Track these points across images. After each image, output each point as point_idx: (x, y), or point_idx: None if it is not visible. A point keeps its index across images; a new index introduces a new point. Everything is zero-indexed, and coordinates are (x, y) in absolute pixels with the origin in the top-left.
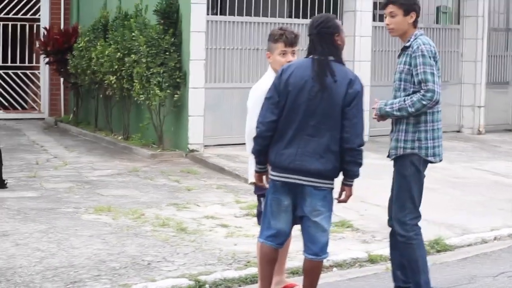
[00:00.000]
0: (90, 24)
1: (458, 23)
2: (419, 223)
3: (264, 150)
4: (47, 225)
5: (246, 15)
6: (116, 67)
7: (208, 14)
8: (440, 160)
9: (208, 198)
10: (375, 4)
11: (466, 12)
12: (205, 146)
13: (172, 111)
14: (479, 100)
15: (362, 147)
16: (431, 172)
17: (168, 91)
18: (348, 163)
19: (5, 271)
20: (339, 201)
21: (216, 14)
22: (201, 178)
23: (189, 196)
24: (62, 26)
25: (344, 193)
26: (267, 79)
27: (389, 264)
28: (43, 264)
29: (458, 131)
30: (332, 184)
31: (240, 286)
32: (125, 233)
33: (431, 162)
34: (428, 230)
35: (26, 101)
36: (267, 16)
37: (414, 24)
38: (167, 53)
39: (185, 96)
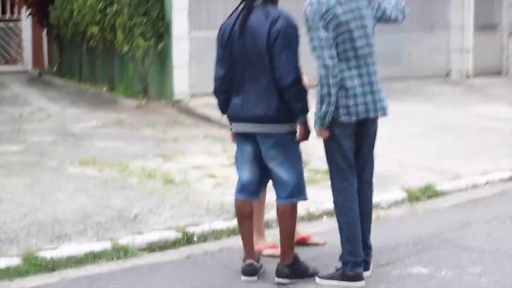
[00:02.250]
0: None
1: None
2: (351, 187)
3: (225, 105)
4: (31, 179)
5: None
6: (98, 17)
7: None
8: (360, 119)
9: (195, 148)
10: None
11: None
12: (191, 95)
13: (157, 61)
14: (467, 44)
15: (299, 82)
16: (419, 117)
17: (151, 41)
18: (289, 101)
19: None
20: (299, 141)
21: None
22: (187, 128)
23: (176, 147)
24: None
25: (300, 132)
26: None
27: (381, 212)
28: (27, 220)
29: (447, 75)
30: (286, 127)
31: (228, 236)
32: (111, 186)
33: (345, 122)
34: (419, 177)
35: (9, 54)
36: None
37: None
38: (149, 2)
39: (169, 45)
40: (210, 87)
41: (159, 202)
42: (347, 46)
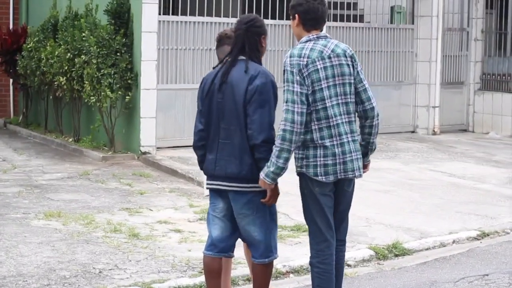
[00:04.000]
0: (40, 24)
1: (413, 23)
2: (329, 249)
3: (203, 161)
4: None
5: (198, 15)
6: (66, 68)
7: (160, 14)
8: (336, 179)
9: (161, 202)
10: (330, 3)
11: (420, 12)
12: (158, 148)
13: (124, 112)
14: (433, 100)
15: (270, 143)
16: (386, 174)
17: (119, 92)
18: (258, 160)
19: None
20: (264, 202)
21: (168, 14)
22: (153, 182)
23: (142, 200)
24: (11, 26)
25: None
26: None
27: (348, 270)
28: None
29: (413, 132)
30: (259, 187)
31: None
32: (76, 240)
33: (322, 182)
34: (386, 234)
35: None
36: (220, 16)
37: (305, 27)
38: (118, 53)
39: (137, 97)
40: (177, 139)
41: (125, 257)
42: (325, 103)
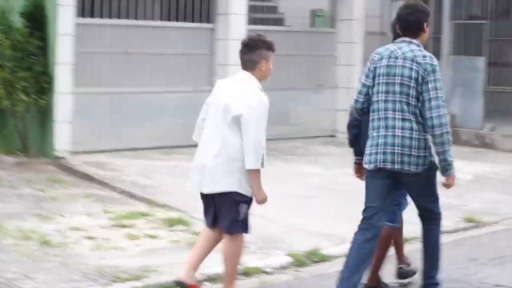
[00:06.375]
0: None
1: (334, 27)
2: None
3: None
4: None
5: (117, 18)
6: None
7: (78, 17)
8: (376, 168)
9: (74, 208)
10: (250, 7)
11: (341, 16)
12: (74, 153)
13: (38, 117)
14: None
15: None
16: (307, 179)
17: (34, 96)
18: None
19: None
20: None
21: (87, 17)
22: (67, 187)
23: (55, 206)
24: None
25: None
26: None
27: (266, 277)
28: None
29: (333, 136)
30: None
31: None
32: None
33: (368, 169)
34: (306, 241)
35: None
36: (139, 19)
37: (400, 33)
38: (33, 57)
39: (52, 101)
40: (94, 144)
41: (35, 265)
42: (378, 97)
